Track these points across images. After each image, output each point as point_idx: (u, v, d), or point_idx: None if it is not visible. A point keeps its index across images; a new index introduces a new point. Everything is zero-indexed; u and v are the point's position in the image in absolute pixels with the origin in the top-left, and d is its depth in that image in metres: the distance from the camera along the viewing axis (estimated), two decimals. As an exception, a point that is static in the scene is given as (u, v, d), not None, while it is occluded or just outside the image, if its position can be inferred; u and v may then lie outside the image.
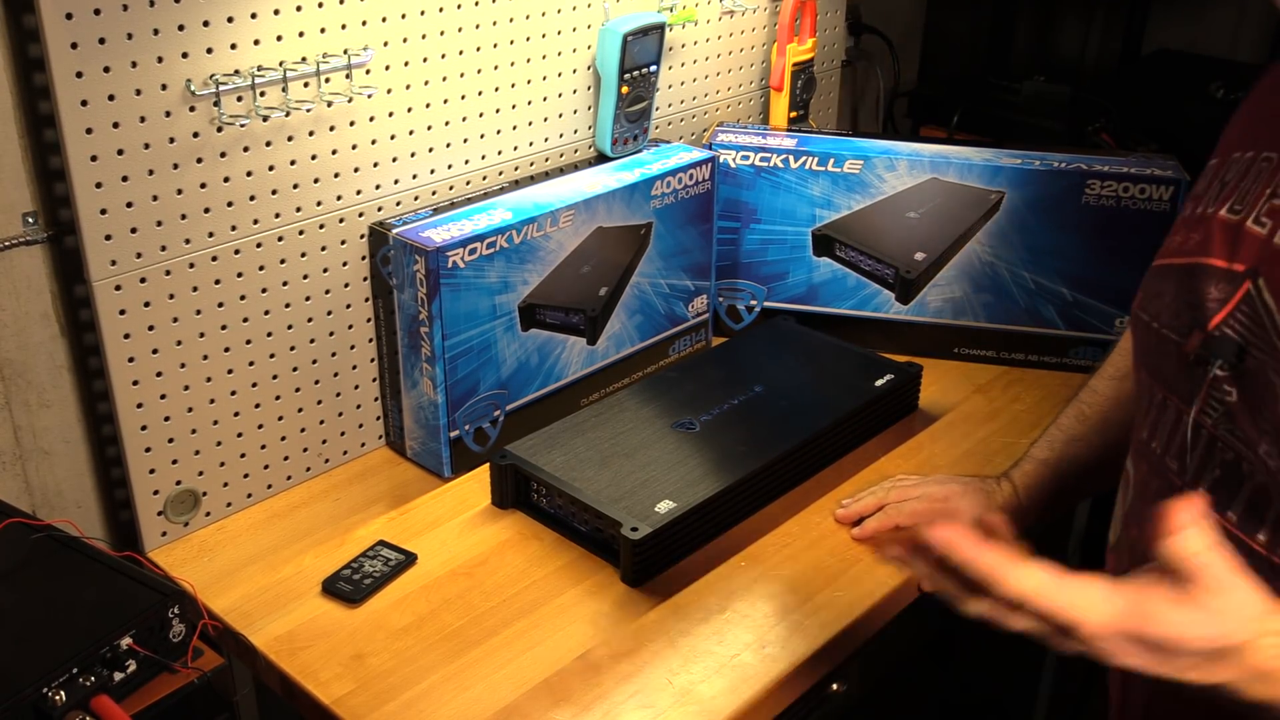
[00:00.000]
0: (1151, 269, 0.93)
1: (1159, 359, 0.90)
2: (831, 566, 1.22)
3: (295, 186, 1.25)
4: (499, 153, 1.45)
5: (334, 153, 1.27)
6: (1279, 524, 0.78)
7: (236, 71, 1.16)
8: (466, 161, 1.41)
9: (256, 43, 1.17)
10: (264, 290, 1.26)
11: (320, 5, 1.21)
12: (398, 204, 1.36)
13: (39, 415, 1.21)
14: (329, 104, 1.24)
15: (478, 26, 1.36)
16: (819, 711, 1.20)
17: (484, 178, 1.44)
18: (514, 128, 1.45)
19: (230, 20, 1.14)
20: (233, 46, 1.15)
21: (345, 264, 1.32)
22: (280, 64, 1.19)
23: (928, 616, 1.15)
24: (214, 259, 1.21)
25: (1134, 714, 0.94)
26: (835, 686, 1.20)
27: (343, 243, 1.31)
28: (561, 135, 1.52)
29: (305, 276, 1.29)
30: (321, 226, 1.29)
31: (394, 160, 1.33)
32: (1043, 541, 0.97)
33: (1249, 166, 0.85)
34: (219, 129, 1.17)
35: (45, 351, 1.20)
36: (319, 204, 1.28)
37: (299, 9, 1.19)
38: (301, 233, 1.27)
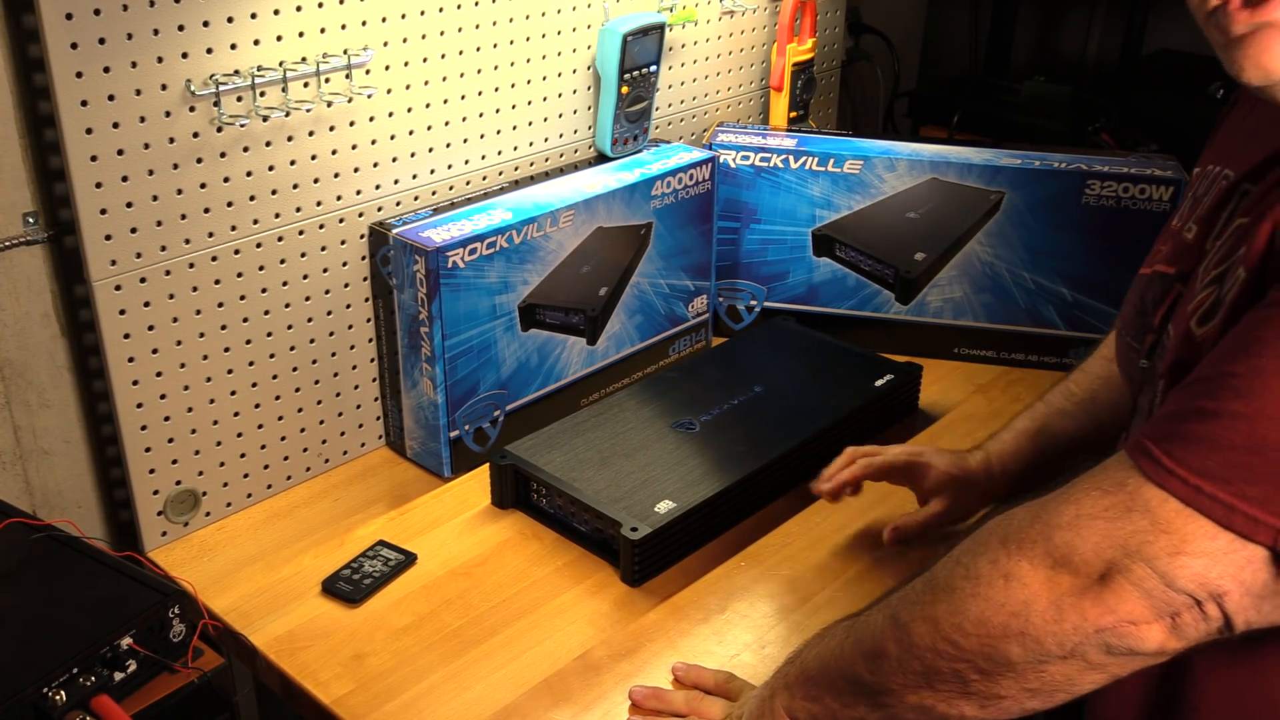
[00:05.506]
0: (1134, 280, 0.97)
1: (1126, 365, 0.95)
2: (831, 566, 1.22)
3: (295, 186, 1.25)
4: (499, 153, 1.45)
5: (334, 153, 1.27)
6: None
7: (236, 72, 1.16)
8: (466, 161, 1.41)
9: (256, 43, 1.17)
10: (264, 290, 1.26)
11: (320, 5, 1.21)
12: (398, 204, 1.36)
13: (39, 415, 1.21)
14: (329, 104, 1.24)
15: (478, 26, 1.36)
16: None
17: (484, 178, 1.44)
18: (514, 128, 1.45)
19: (230, 20, 1.14)
20: (233, 46, 1.15)
21: (345, 264, 1.32)
22: (280, 64, 1.19)
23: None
24: (214, 259, 1.21)
25: None
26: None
27: (343, 243, 1.31)
28: (561, 135, 1.52)
29: (305, 276, 1.29)
30: (321, 226, 1.29)
31: (394, 160, 1.33)
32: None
33: (1212, 181, 0.88)
34: (219, 129, 1.17)
35: (45, 351, 1.20)
36: (319, 204, 1.28)
37: (299, 9, 1.19)
38: (301, 233, 1.27)
